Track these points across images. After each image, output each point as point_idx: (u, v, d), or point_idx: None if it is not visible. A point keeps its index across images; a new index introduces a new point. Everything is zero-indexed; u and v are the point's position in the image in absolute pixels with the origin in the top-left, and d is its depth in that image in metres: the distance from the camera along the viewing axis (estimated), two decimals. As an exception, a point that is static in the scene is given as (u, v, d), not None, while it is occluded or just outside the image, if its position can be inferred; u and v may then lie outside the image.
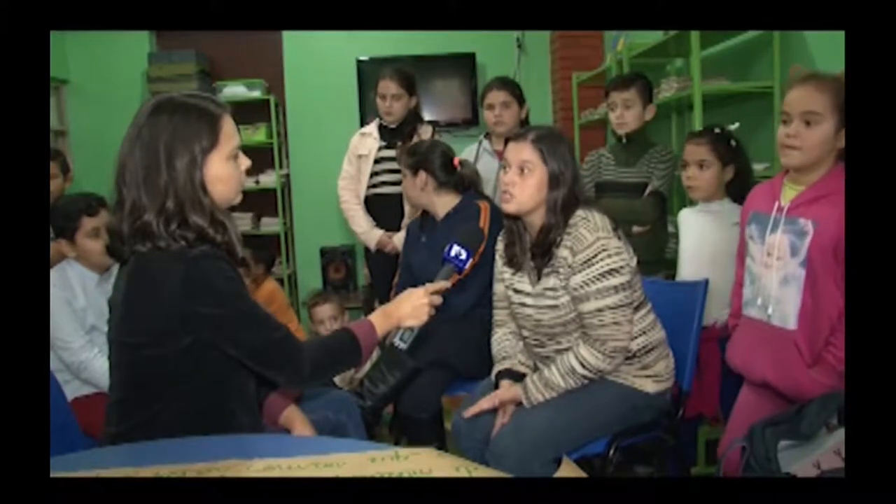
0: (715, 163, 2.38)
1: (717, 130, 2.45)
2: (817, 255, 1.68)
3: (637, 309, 1.91)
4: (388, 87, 3.22)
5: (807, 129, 1.69)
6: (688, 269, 2.44)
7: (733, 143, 2.43)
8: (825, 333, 1.71)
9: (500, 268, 2.10)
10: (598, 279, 1.82)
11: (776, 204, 1.79)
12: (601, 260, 1.82)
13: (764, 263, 1.82)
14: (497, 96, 3.07)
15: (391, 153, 3.20)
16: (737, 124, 2.92)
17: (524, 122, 3.12)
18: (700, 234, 2.42)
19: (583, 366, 1.85)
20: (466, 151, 3.32)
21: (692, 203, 2.57)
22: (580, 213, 1.90)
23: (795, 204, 1.75)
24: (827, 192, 1.69)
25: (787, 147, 1.73)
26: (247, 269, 3.78)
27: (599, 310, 1.83)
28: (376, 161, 3.28)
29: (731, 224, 2.26)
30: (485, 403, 1.96)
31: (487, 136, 3.25)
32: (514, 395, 1.93)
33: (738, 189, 2.37)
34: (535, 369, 2.01)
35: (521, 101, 3.10)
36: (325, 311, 3.16)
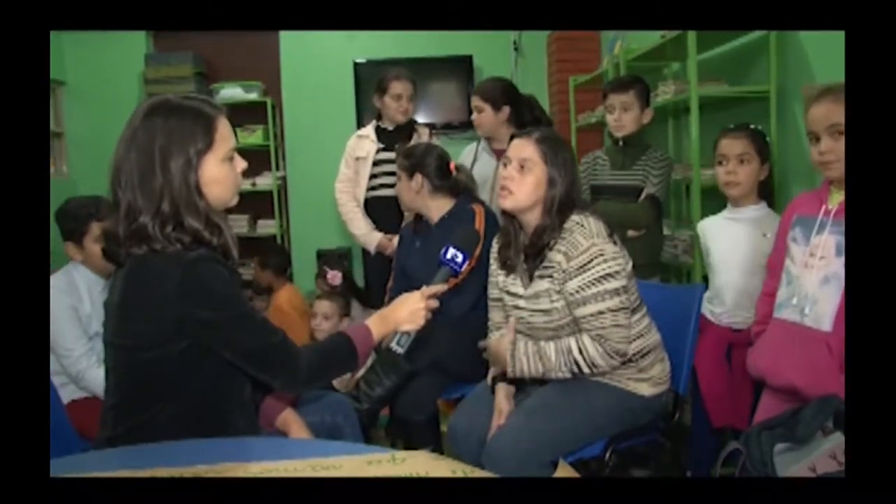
0: (755, 157, 2.29)
1: (752, 127, 2.37)
2: None
3: (633, 312, 1.91)
4: (406, 87, 3.25)
5: (837, 142, 1.71)
6: (723, 278, 2.37)
7: (768, 139, 2.37)
8: None
9: (494, 270, 2.11)
10: (594, 283, 1.82)
11: (823, 207, 1.79)
12: (597, 265, 1.82)
13: (805, 264, 1.80)
14: (472, 100, 3.13)
15: (389, 155, 3.20)
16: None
17: (518, 121, 3.08)
18: (732, 241, 2.34)
19: (579, 350, 1.84)
20: (466, 151, 3.32)
21: (720, 208, 2.48)
22: (575, 217, 1.90)
23: (843, 207, 1.74)
24: None
25: (824, 164, 1.74)
26: (260, 288, 3.81)
27: (599, 313, 1.83)
28: (375, 163, 3.28)
29: (762, 234, 2.24)
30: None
31: (488, 137, 3.25)
32: (503, 346, 1.94)
33: (768, 191, 2.34)
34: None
35: (495, 104, 3.06)
36: (322, 306, 3.15)
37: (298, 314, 3.88)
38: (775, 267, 1.95)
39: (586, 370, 1.86)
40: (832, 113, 1.71)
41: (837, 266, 1.72)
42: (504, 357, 1.93)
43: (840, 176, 1.73)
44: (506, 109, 3.08)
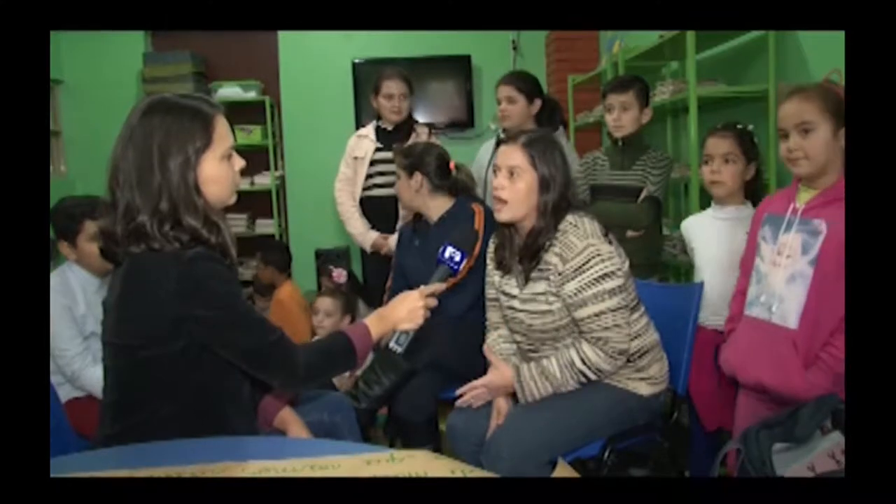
0: (740, 158, 2.29)
1: (739, 126, 2.37)
2: (828, 254, 1.70)
3: (631, 311, 1.91)
4: (399, 86, 3.23)
5: (805, 139, 1.73)
6: (706, 278, 2.35)
7: (756, 139, 2.38)
8: (825, 334, 1.72)
9: (490, 270, 2.10)
10: (592, 284, 1.82)
11: (791, 206, 1.81)
12: (594, 265, 1.82)
13: (773, 262, 1.82)
14: (502, 91, 3.05)
15: (386, 155, 3.20)
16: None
17: (540, 116, 3.07)
18: (717, 240, 2.34)
19: (583, 361, 1.85)
20: (483, 148, 3.32)
21: (708, 206, 2.49)
22: (570, 218, 1.90)
23: (810, 206, 1.77)
24: (840, 195, 1.72)
25: (792, 160, 1.77)
26: (261, 282, 3.81)
27: (599, 313, 1.83)
28: (371, 163, 3.29)
29: (745, 234, 2.23)
30: (478, 385, 1.97)
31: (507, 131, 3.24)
32: (506, 379, 1.93)
33: (755, 191, 2.34)
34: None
35: (530, 95, 3.04)
36: (324, 303, 3.15)
37: (300, 309, 3.89)
38: (747, 265, 1.97)
39: (594, 377, 1.86)
40: (800, 110, 1.74)
41: (802, 265, 1.74)
42: (510, 384, 1.92)
43: (808, 173, 1.76)
44: (538, 103, 3.07)
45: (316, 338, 3.03)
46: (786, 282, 1.77)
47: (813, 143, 1.72)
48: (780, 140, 1.81)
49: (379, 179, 3.28)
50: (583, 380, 1.87)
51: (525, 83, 3.06)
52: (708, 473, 1.75)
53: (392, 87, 3.24)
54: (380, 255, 3.25)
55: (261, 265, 4.19)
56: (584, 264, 1.83)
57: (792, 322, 1.75)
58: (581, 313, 1.85)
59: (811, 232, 1.74)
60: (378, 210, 3.30)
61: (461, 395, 2.00)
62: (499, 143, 3.14)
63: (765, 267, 1.86)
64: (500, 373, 1.96)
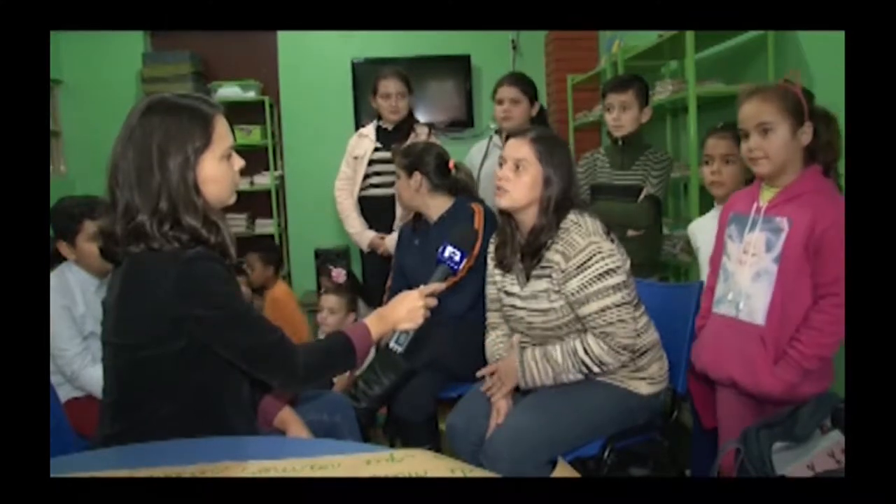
0: (739, 158, 2.25)
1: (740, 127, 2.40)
2: (791, 251, 1.74)
3: (633, 309, 1.91)
4: (395, 85, 3.23)
5: (765, 139, 1.78)
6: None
7: None
8: (792, 329, 1.75)
9: (491, 269, 2.10)
10: (595, 280, 1.82)
11: (755, 205, 1.85)
12: (596, 262, 1.83)
13: (739, 260, 1.86)
14: (507, 92, 3.07)
15: (384, 155, 3.20)
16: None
17: (535, 120, 3.10)
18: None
19: (585, 351, 1.85)
20: (475, 148, 3.32)
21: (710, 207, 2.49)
22: (572, 217, 1.91)
23: (773, 204, 1.80)
24: (801, 192, 1.77)
25: (752, 160, 1.81)
26: (245, 276, 3.80)
27: (604, 309, 1.83)
28: (369, 163, 3.29)
29: None
30: (486, 372, 1.99)
31: (499, 132, 3.24)
32: (511, 364, 1.93)
33: None
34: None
35: (531, 98, 3.09)
36: (329, 301, 3.15)
37: (296, 308, 3.89)
38: (716, 263, 1.99)
39: (596, 369, 1.86)
40: (759, 111, 1.78)
41: (767, 262, 1.78)
42: (513, 371, 1.92)
43: (768, 172, 1.80)
44: (536, 106, 3.13)
45: (320, 335, 3.04)
46: (752, 279, 1.81)
47: (772, 142, 1.76)
48: (741, 140, 1.85)
49: (376, 179, 3.28)
50: (584, 370, 1.87)
51: (528, 85, 3.11)
52: (708, 473, 1.76)
53: (389, 86, 3.24)
54: (379, 255, 3.25)
55: (259, 265, 4.19)
56: (586, 261, 1.83)
57: (759, 319, 1.78)
58: (584, 310, 1.85)
59: (774, 230, 1.78)
60: (375, 210, 3.30)
61: (460, 396, 2.01)
62: (502, 139, 3.16)
63: (731, 265, 1.89)
64: (506, 360, 1.98)
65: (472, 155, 3.38)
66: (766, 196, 1.84)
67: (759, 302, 1.78)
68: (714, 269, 2.00)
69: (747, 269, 1.82)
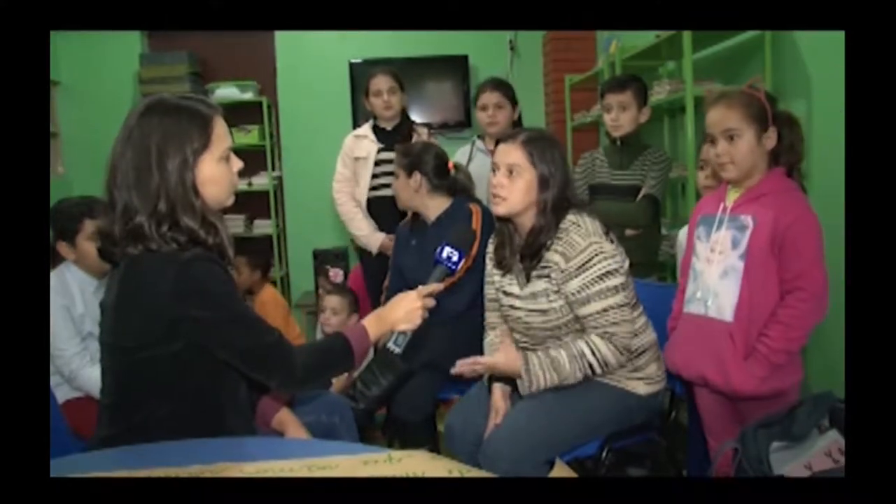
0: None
1: (707, 132, 2.42)
2: (756, 247, 1.78)
3: (632, 310, 1.92)
4: (385, 81, 3.22)
5: (731, 145, 1.82)
6: None
7: None
8: (759, 325, 1.78)
9: (490, 270, 2.10)
10: (596, 281, 1.82)
11: (721, 205, 1.89)
12: (597, 263, 1.83)
13: (707, 259, 1.89)
14: (490, 98, 3.07)
15: (390, 155, 3.19)
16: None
17: (517, 123, 3.12)
18: None
19: (593, 353, 1.84)
20: (459, 153, 3.32)
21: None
22: (571, 217, 1.90)
23: (738, 203, 1.85)
24: (764, 192, 1.81)
25: (720, 165, 1.85)
26: (237, 275, 3.79)
27: (604, 310, 1.83)
28: (376, 164, 3.27)
29: None
30: (481, 362, 1.90)
31: (481, 136, 3.25)
32: (514, 364, 1.87)
33: None
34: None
35: (513, 102, 3.12)
36: (331, 301, 3.14)
37: (284, 312, 3.87)
38: (686, 266, 2.02)
39: (598, 370, 1.86)
40: (725, 117, 1.82)
41: (734, 259, 1.82)
42: (517, 371, 1.87)
43: (735, 177, 1.85)
44: (517, 109, 3.14)
45: (320, 335, 3.04)
46: (719, 277, 1.84)
47: (738, 148, 1.81)
48: (709, 143, 1.89)
49: (385, 180, 3.26)
50: (588, 372, 1.86)
51: (510, 90, 3.13)
52: (706, 473, 1.76)
53: (379, 83, 3.23)
54: (380, 256, 3.23)
55: (248, 268, 4.16)
56: (587, 262, 1.83)
57: (727, 315, 1.81)
58: (584, 311, 1.85)
59: (739, 227, 1.82)
60: (385, 211, 3.26)
61: (458, 397, 2.00)
62: (485, 142, 3.20)
63: (700, 265, 1.92)
64: (510, 357, 1.89)
65: (456, 159, 3.36)
66: (732, 196, 1.88)
67: (726, 299, 1.82)
68: (685, 271, 2.03)
69: (715, 267, 1.85)
